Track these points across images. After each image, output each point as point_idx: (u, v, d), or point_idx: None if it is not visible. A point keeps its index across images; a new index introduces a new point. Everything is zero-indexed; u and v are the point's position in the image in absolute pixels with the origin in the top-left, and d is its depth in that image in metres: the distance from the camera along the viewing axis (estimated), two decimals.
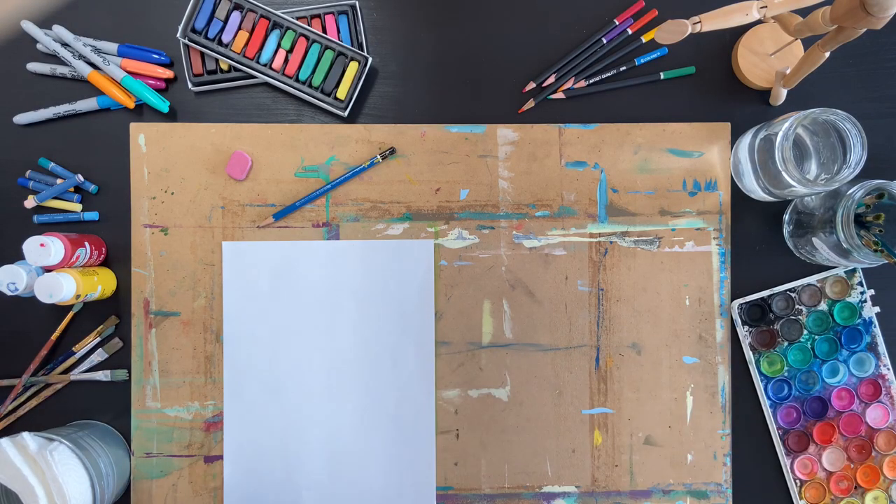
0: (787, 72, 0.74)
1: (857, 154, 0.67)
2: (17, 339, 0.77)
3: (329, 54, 0.76)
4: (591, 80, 0.78)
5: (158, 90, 0.77)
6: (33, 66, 0.77)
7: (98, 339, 0.76)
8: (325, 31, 0.77)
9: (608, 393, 0.78)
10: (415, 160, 0.78)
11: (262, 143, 0.77)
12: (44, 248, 0.68)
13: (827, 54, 0.66)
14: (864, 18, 0.57)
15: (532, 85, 0.78)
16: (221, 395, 0.77)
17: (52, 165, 0.77)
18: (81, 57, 0.76)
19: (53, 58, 0.77)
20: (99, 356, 0.77)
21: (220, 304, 0.77)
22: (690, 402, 0.78)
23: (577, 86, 0.78)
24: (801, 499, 0.77)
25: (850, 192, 0.68)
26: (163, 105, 0.76)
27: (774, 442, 0.77)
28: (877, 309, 0.77)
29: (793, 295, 0.77)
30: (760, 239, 0.78)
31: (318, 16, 0.77)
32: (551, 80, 0.78)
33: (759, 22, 0.63)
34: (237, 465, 0.77)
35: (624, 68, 0.78)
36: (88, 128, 0.77)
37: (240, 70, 0.76)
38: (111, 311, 0.77)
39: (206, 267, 0.77)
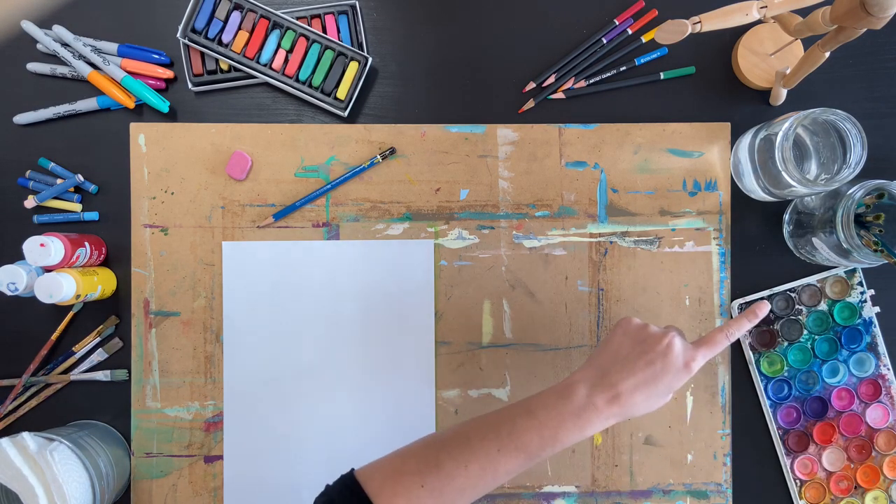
0: (787, 72, 0.74)
1: (857, 154, 0.67)
2: (17, 339, 0.77)
3: (329, 54, 0.76)
4: (591, 80, 0.78)
5: (158, 90, 0.77)
6: (33, 66, 0.77)
7: (98, 339, 0.76)
8: (325, 31, 0.77)
9: None
10: (415, 160, 0.78)
11: (262, 143, 0.77)
12: (44, 248, 0.68)
13: (827, 54, 0.66)
14: (864, 18, 0.57)
15: (532, 85, 0.78)
16: (221, 395, 0.77)
17: (52, 165, 0.77)
18: (81, 57, 0.76)
19: (53, 58, 0.77)
20: (99, 356, 0.77)
21: (220, 304, 0.77)
22: (690, 402, 0.78)
23: (577, 86, 0.78)
24: (801, 499, 0.77)
25: (850, 192, 0.68)
26: (163, 105, 0.76)
27: (774, 442, 0.77)
28: (877, 309, 0.77)
29: (793, 295, 0.77)
30: (760, 239, 0.78)
31: (318, 16, 0.77)
32: (551, 80, 0.78)
33: (759, 22, 0.63)
34: (237, 465, 0.76)
35: (624, 68, 0.78)
36: (88, 128, 0.77)
37: (240, 70, 0.76)
38: (111, 311, 0.77)
39: (206, 267, 0.77)
